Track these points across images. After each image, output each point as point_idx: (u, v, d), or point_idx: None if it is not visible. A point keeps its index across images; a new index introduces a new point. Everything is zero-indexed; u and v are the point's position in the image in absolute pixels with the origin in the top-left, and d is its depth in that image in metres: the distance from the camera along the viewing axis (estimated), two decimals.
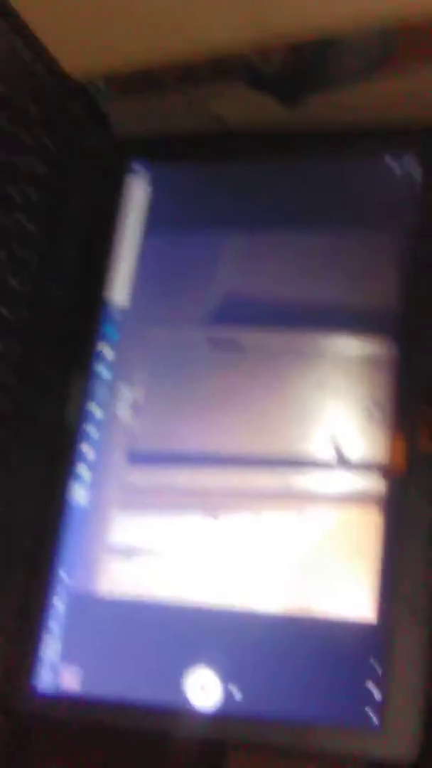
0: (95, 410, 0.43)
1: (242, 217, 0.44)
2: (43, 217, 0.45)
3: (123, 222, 0.45)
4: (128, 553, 0.40)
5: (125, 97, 0.46)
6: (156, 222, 0.45)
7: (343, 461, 0.39)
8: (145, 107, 0.46)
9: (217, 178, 0.45)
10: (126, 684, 0.38)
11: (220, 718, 0.36)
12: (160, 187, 0.46)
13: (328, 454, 0.39)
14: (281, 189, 0.44)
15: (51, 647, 0.39)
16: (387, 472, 0.38)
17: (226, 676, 0.37)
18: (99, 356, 0.44)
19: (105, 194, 0.46)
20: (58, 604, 0.40)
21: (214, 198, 0.45)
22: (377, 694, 0.35)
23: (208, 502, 0.40)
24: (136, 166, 0.46)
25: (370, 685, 0.35)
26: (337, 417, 0.40)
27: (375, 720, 0.35)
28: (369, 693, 0.35)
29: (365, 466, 0.38)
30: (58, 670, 0.39)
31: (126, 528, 0.40)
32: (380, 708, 0.35)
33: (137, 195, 0.46)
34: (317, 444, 0.39)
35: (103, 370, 0.43)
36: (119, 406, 0.43)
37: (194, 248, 0.45)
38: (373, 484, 0.38)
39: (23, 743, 0.41)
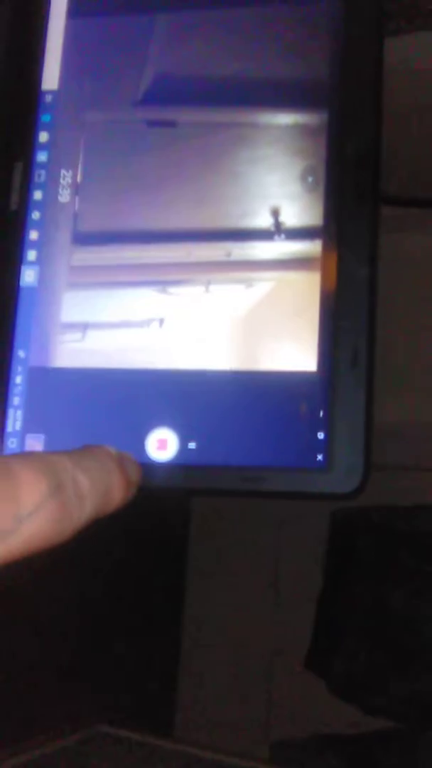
0: (36, 194, 0.43)
1: None
2: None
3: (50, 5, 0.45)
4: (82, 328, 0.42)
5: None
6: (83, 4, 0.45)
7: (281, 228, 0.41)
8: None
9: None
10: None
11: (179, 468, 0.39)
12: None
13: (267, 223, 0.41)
14: None
15: (14, 419, 0.41)
16: (322, 235, 0.40)
17: (182, 432, 0.39)
18: (36, 141, 0.44)
19: None
20: (18, 379, 0.42)
21: None
22: (321, 436, 0.38)
23: (156, 277, 0.41)
24: None
25: (315, 428, 0.38)
26: (273, 186, 0.41)
27: (321, 459, 0.38)
28: (314, 435, 0.38)
29: (302, 232, 0.40)
30: (23, 440, 0.41)
31: (77, 305, 0.42)
32: (325, 448, 0.38)
33: None
34: (256, 214, 0.41)
35: (40, 155, 0.44)
36: (59, 188, 0.43)
37: (123, 29, 0.44)
38: (310, 247, 0.40)
39: None
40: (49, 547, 0.27)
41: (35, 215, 0.43)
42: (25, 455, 0.27)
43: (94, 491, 0.29)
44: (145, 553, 0.64)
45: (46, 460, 0.28)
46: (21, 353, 0.42)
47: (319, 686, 0.81)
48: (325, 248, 0.40)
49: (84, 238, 0.43)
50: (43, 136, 0.44)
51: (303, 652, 0.82)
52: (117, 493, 0.30)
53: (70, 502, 0.27)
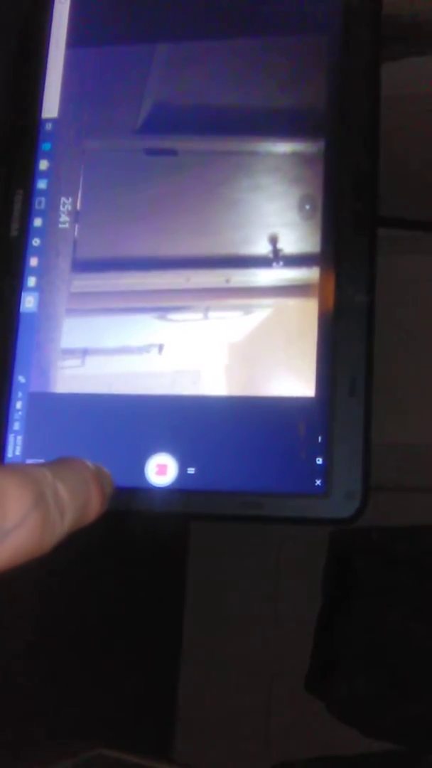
0: (37, 221, 0.44)
1: (168, 25, 0.45)
2: None
3: (50, 36, 0.45)
4: (81, 353, 0.42)
5: None
6: (83, 34, 0.46)
7: (279, 256, 0.41)
8: None
9: None
10: None
11: (178, 493, 0.40)
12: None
13: (265, 250, 0.41)
14: None
15: (14, 444, 0.42)
16: (319, 262, 0.40)
17: (182, 457, 0.40)
18: (36, 169, 0.44)
19: (30, 9, 0.46)
20: (18, 405, 0.42)
21: (139, 7, 0.45)
22: (320, 461, 0.38)
23: (155, 303, 0.42)
24: None
25: (313, 454, 0.38)
26: (271, 214, 0.42)
27: (320, 484, 0.38)
28: (312, 461, 0.38)
29: (300, 259, 0.41)
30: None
31: (77, 331, 0.42)
32: (324, 473, 0.38)
33: (62, 8, 0.46)
34: (255, 241, 0.41)
35: (40, 182, 0.44)
36: (59, 216, 0.44)
37: (122, 59, 0.45)
38: (308, 274, 0.40)
39: None
40: (29, 560, 0.27)
41: (35, 242, 0.44)
42: (7, 467, 0.27)
43: (74, 504, 0.28)
44: (144, 576, 0.64)
45: (28, 472, 0.27)
46: (21, 379, 0.42)
47: (319, 708, 0.81)
48: (323, 275, 0.40)
49: (84, 265, 0.43)
50: (44, 164, 0.44)
51: (303, 674, 0.82)
52: (94, 506, 0.30)
53: (51, 515, 0.27)
